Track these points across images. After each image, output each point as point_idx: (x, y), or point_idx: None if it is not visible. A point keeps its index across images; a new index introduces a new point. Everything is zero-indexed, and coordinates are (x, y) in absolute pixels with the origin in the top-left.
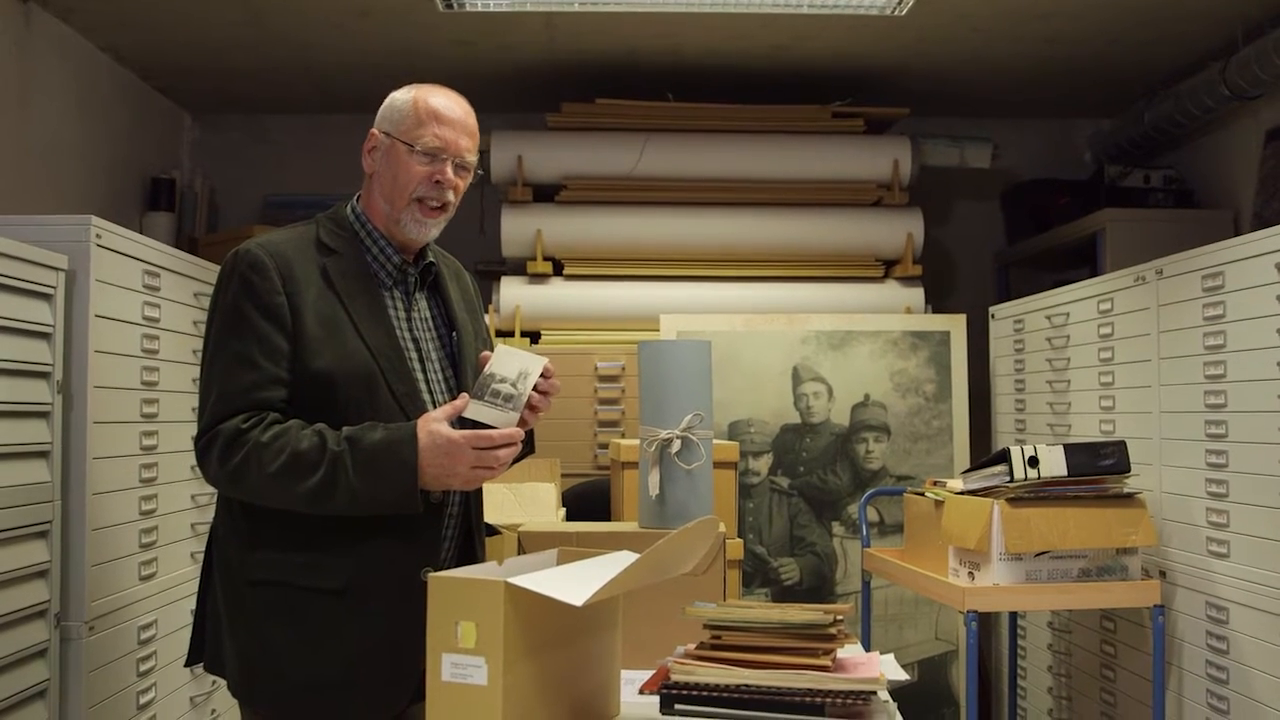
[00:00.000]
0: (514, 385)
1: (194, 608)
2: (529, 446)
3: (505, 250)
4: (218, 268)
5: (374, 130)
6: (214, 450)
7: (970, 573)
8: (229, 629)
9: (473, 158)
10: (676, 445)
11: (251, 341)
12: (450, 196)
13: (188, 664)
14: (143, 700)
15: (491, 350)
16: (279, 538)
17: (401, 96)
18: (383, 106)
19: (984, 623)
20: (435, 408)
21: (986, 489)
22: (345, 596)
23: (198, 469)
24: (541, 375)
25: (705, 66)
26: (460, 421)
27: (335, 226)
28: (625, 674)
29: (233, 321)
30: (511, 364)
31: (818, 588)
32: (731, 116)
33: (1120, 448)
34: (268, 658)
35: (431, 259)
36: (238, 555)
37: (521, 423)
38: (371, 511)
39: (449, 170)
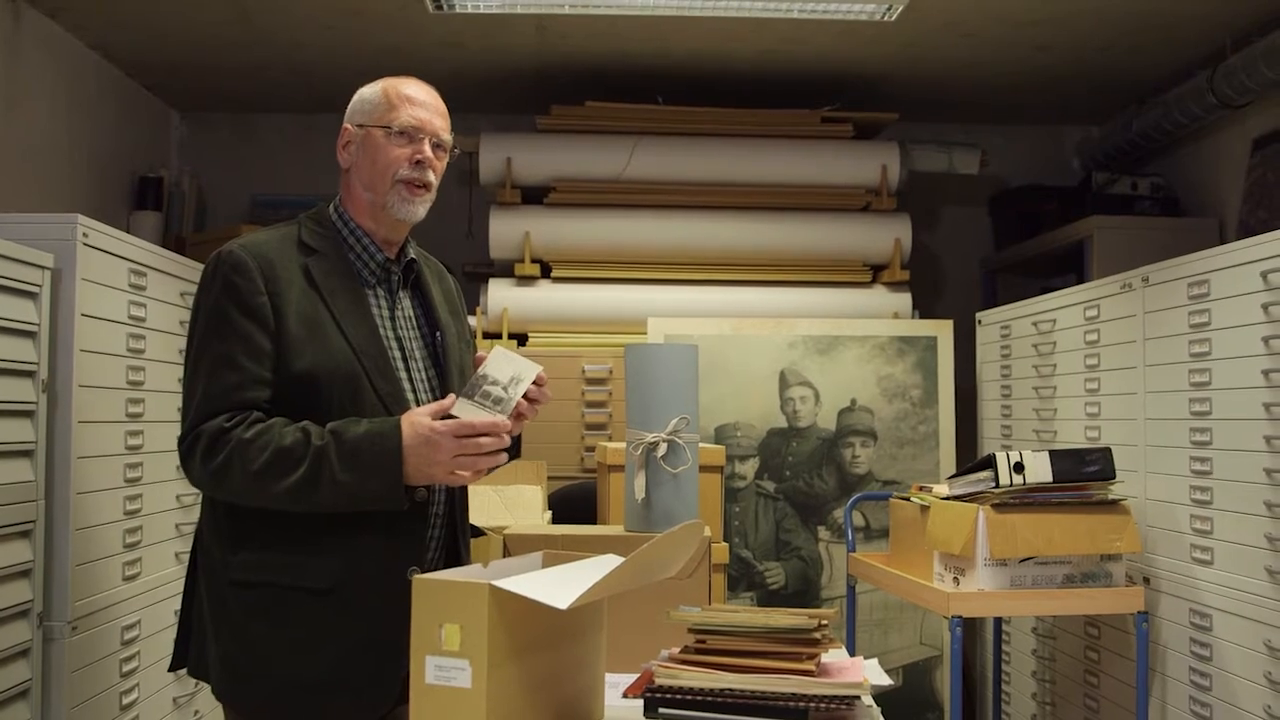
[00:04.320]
0: (505, 389)
1: (178, 611)
2: (514, 451)
3: (493, 252)
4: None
5: (346, 125)
6: (197, 451)
7: (955, 578)
8: (213, 631)
9: (448, 137)
10: (663, 449)
11: (235, 342)
12: (431, 177)
13: (171, 669)
14: (125, 701)
15: (477, 350)
16: (263, 538)
17: (369, 89)
18: (352, 102)
19: (968, 628)
20: (419, 407)
21: (972, 494)
22: (330, 597)
23: (182, 471)
24: (534, 383)
25: (695, 70)
26: (447, 419)
27: (317, 226)
28: (609, 678)
29: (216, 323)
30: (505, 368)
31: (803, 592)
32: (721, 120)
33: (1105, 454)
34: (251, 659)
35: (414, 257)
36: (221, 556)
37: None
38: (356, 507)
39: (427, 148)
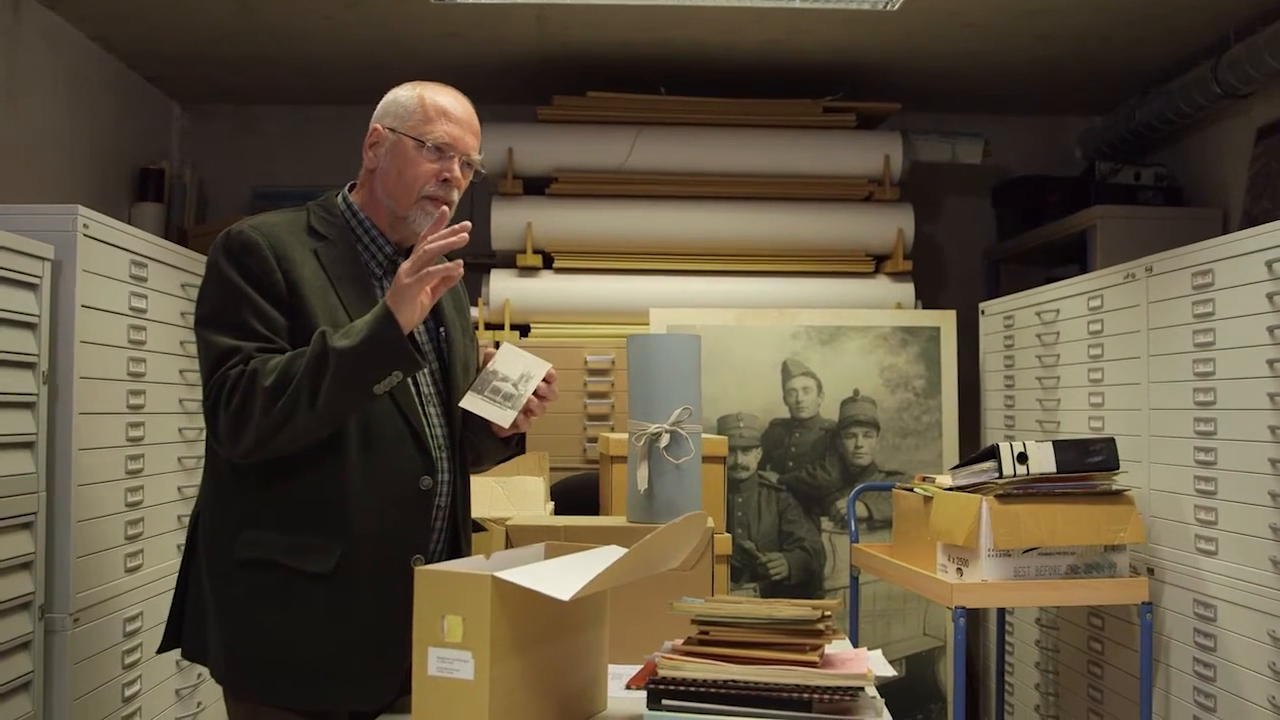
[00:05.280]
0: (515, 386)
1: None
2: (518, 448)
3: (495, 243)
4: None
5: (376, 125)
6: (222, 397)
7: (959, 569)
8: (214, 612)
9: (477, 156)
10: (665, 439)
11: (251, 315)
12: (455, 195)
13: (161, 650)
14: (128, 693)
15: (479, 345)
16: (268, 516)
17: (406, 93)
18: (385, 102)
19: (972, 619)
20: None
21: (975, 485)
22: (334, 583)
23: (184, 458)
24: (544, 380)
25: (697, 60)
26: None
27: (326, 214)
28: (612, 669)
29: (230, 298)
30: (515, 365)
31: (806, 583)
32: (723, 110)
33: (1109, 445)
34: (254, 643)
35: None
36: (226, 535)
37: (515, 425)
38: (359, 361)
39: (456, 168)
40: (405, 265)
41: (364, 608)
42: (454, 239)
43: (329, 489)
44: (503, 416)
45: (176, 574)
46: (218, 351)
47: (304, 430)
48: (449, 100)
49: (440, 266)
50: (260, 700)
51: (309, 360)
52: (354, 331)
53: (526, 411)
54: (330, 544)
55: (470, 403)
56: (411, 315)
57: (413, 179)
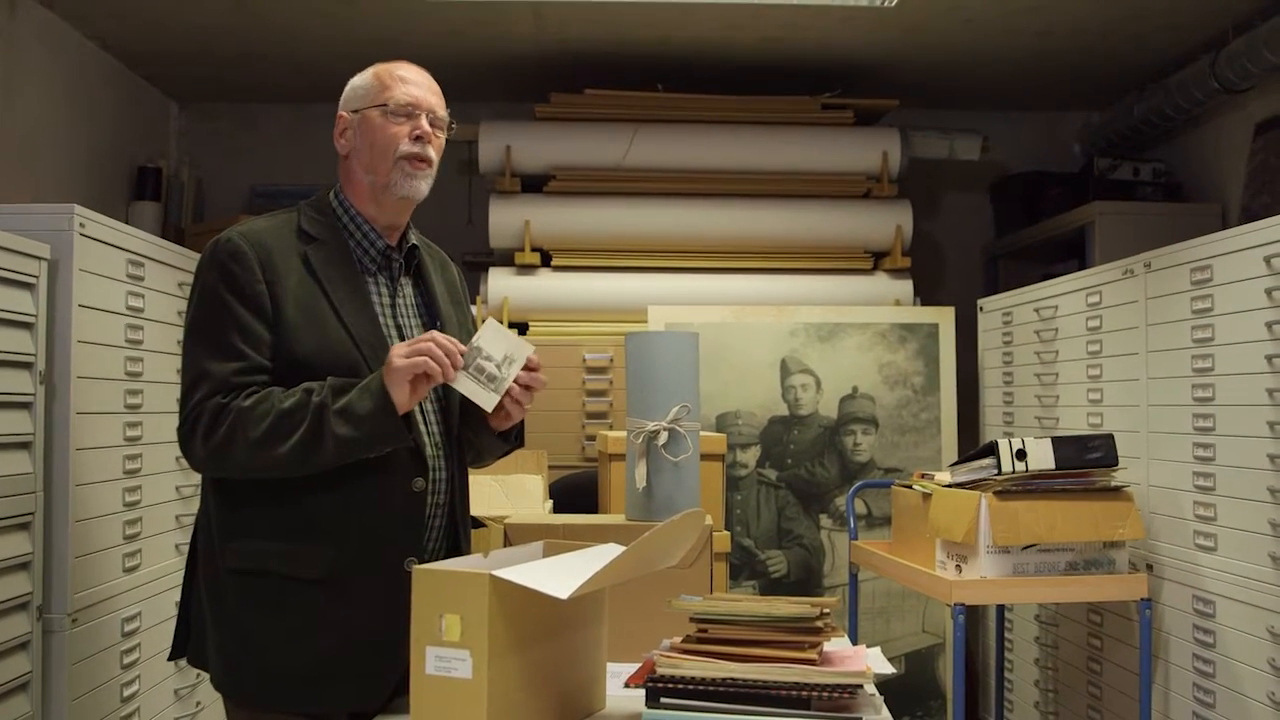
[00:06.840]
0: (499, 367)
1: (178, 601)
2: (517, 441)
3: (493, 241)
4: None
5: (341, 113)
6: (198, 430)
7: (957, 565)
8: (211, 620)
9: (444, 113)
10: (664, 437)
11: (233, 330)
12: (431, 153)
13: (171, 658)
14: (126, 693)
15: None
16: (259, 526)
17: (360, 76)
18: (345, 92)
19: (971, 616)
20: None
21: (974, 482)
22: (327, 586)
23: (182, 458)
24: (526, 367)
25: (695, 57)
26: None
27: (317, 214)
28: (611, 667)
29: (213, 310)
30: (499, 344)
31: (805, 580)
32: (721, 107)
33: (1108, 441)
34: (249, 649)
35: (415, 244)
36: (219, 544)
37: (507, 416)
38: (357, 447)
39: (425, 123)
40: (400, 348)
41: (357, 611)
42: (450, 368)
43: (320, 494)
44: (487, 400)
45: (175, 574)
46: (195, 373)
47: (272, 498)
48: (403, 68)
49: (430, 366)
50: (257, 706)
51: (305, 432)
52: (354, 415)
53: (515, 402)
54: (322, 549)
55: (455, 379)
56: (404, 397)
57: (385, 144)
